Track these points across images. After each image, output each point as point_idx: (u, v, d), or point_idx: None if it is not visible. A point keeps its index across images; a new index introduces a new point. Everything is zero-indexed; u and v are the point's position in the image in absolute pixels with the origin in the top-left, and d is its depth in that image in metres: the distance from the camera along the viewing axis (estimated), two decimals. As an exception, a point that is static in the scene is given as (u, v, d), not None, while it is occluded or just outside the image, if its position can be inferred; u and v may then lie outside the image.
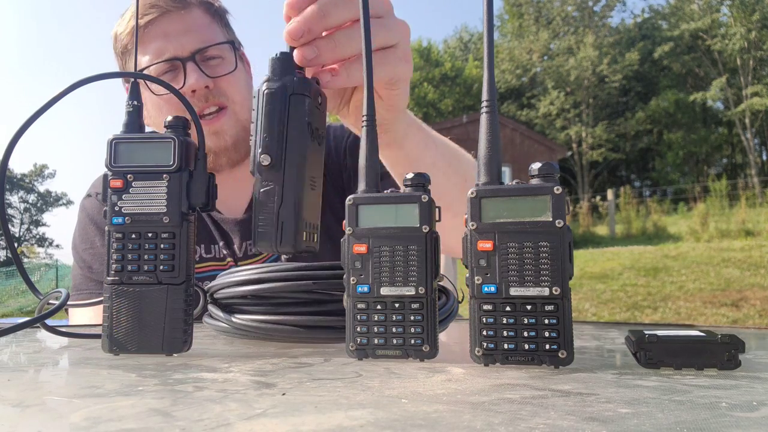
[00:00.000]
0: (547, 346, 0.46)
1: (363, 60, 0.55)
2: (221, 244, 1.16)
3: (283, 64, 0.58)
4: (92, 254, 1.18)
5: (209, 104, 1.09)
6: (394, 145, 0.83)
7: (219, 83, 1.09)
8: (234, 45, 1.14)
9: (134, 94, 0.58)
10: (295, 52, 0.61)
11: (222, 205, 1.17)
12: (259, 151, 0.56)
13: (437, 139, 0.94)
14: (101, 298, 0.56)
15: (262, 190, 0.56)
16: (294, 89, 0.57)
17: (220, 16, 1.16)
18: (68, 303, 0.64)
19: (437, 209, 0.51)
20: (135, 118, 0.57)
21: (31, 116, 0.57)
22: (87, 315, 1.13)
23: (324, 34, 0.63)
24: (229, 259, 1.15)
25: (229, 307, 0.66)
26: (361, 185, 0.53)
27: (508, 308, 0.47)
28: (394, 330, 0.50)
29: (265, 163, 0.56)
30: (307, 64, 0.61)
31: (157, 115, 1.11)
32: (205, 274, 1.14)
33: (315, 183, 0.59)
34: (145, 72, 1.05)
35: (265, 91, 0.57)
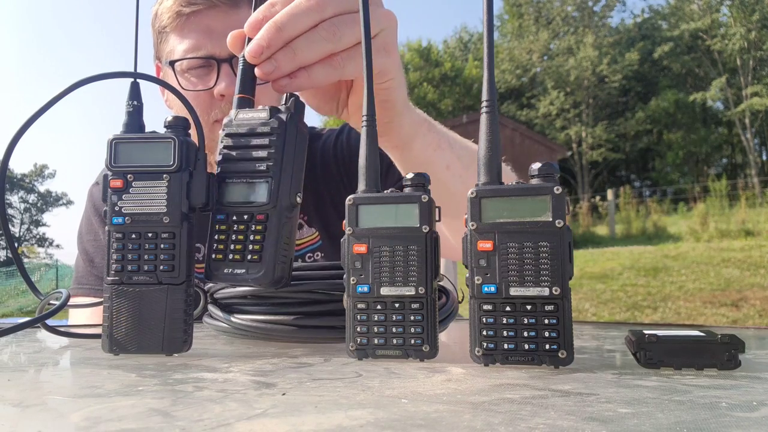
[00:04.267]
0: (547, 346, 0.46)
1: (363, 60, 0.55)
2: None
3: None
4: (95, 246, 1.16)
5: None
6: (402, 147, 0.79)
7: None
8: None
9: (134, 94, 0.58)
10: (256, 69, 0.60)
11: None
12: (292, 188, 0.57)
13: (454, 140, 0.89)
14: (101, 299, 0.56)
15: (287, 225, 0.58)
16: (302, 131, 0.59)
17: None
18: (68, 304, 0.64)
19: (437, 209, 0.51)
20: (135, 118, 0.57)
21: (31, 116, 0.57)
22: (86, 313, 1.12)
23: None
24: None
25: (228, 307, 0.66)
26: (361, 185, 0.53)
27: (508, 308, 0.47)
28: (394, 330, 0.50)
29: (299, 201, 0.58)
30: (269, 78, 0.61)
31: (180, 110, 1.05)
32: None
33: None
34: (176, 64, 1.02)
35: (296, 130, 0.58)
